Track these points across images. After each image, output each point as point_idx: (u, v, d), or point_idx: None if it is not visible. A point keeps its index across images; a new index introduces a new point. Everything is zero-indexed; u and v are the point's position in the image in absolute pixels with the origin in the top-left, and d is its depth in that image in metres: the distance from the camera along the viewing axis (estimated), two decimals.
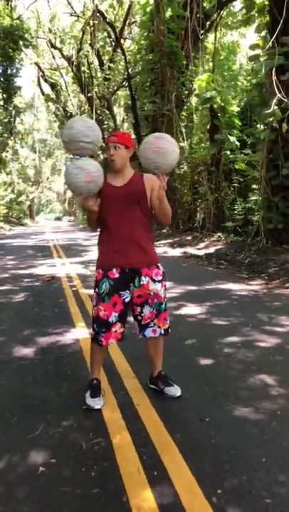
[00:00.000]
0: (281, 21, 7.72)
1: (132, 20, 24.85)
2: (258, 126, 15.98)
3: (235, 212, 14.21)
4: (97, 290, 2.69)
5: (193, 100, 16.83)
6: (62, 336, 4.21)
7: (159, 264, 2.74)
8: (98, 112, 25.18)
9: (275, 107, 7.98)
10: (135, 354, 3.56)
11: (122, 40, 22.49)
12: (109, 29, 24.78)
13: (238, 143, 14.05)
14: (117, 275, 2.64)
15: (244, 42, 21.65)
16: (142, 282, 2.64)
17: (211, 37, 19.56)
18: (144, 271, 2.66)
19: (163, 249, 12.97)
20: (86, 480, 1.99)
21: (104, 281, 2.65)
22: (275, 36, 7.62)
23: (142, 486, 1.94)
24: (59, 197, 68.43)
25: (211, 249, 12.02)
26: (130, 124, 26.64)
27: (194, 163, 15.61)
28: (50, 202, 78.00)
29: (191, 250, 12.05)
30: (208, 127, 13.90)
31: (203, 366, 3.37)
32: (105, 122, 26.61)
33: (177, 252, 12.10)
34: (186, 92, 17.14)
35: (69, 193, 57.57)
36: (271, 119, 8.39)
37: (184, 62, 16.63)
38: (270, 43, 8.12)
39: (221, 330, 4.30)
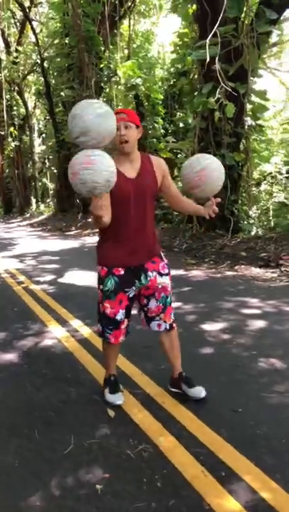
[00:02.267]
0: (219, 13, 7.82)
1: (38, 1, 23.78)
2: (179, 114, 16.31)
3: (163, 199, 14.38)
4: (101, 287, 2.52)
5: (114, 87, 16.62)
6: (39, 337, 3.91)
7: (162, 255, 2.61)
8: (8, 97, 23.84)
9: (219, 96, 8.13)
10: (130, 350, 3.40)
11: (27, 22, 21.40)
12: (14, 9, 23.52)
13: (162, 131, 14.18)
14: (122, 272, 2.46)
15: (158, 31, 21.84)
16: (149, 278, 2.50)
17: (125, 24, 19.37)
18: (149, 266, 2.51)
19: (95, 238, 12.71)
20: (155, 491, 1.84)
21: (110, 279, 2.47)
22: (217, 26, 7.65)
23: (216, 488, 1.84)
24: None
25: None
26: (43, 110, 25.67)
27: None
28: None
29: None
30: None
31: (204, 356, 3.33)
32: (15, 108, 25.33)
33: None
34: (105, 78, 16.86)
35: None
36: (212, 107, 8.51)
37: (102, 47, 16.31)
38: (206, 32, 8.19)
39: (201, 317, 4.29)
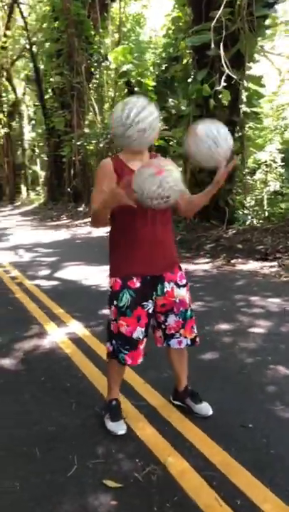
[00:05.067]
0: None
1: None
2: (171, 100, 16.03)
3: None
4: (115, 302, 2.28)
5: (104, 72, 16.27)
6: (37, 340, 3.77)
7: (180, 265, 2.44)
8: None
9: (218, 84, 7.90)
10: None
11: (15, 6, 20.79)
12: None
13: None
14: (138, 284, 2.24)
15: (148, 14, 21.34)
16: (165, 289, 2.31)
17: (115, 7, 18.88)
18: (167, 276, 2.32)
19: (86, 229, 12.53)
20: None
21: (124, 293, 2.24)
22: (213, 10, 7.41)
23: None
24: None
25: None
26: (32, 96, 25.17)
27: (110, 139, 15.14)
28: None
29: None
30: None
31: (207, 361, 3.21)
32: (3, 95, 24.77)
33: (102, 232, 11.71)
34: (96, 64, 16.47)
35: None
36: (207, 94, 8.31)
37: (92, 32, 15.90)
38: (200, 16, 7.94)
39: (203, 317, 4.16)
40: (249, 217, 10.82)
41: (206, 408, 2.48)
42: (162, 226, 2.29)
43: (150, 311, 2.31)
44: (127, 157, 2.29)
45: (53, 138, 18.26)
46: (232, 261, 7.00)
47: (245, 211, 11.07)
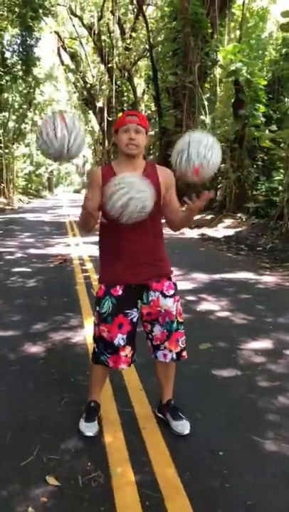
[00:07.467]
0: None
1: None
2: (287, 100, 15.22)
3: (258, 192, 13.65)
4: (98, 308, 2.31)
5: (218, 71, 16.07)
6: (70, 333, 3.94)
7: (171, 276, 2.37)
8: (118, 83, 24.42)
9: None
10: (144, 359, 3.24)
11: (144, 7, 21.50)
12: None
13: (263, 118, 13.37)
14: (120, 292, 2.25)
15: (274, 8, 20.46)
16: (150, 298, 2.27)
17: (238, 2, 18.46)
18: (153, 285, 2.28)
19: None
20: None
21: (107, 300, 2.26)
22: None
23: None
24: (78, 169, 68.14)
25: (231, 232, 11.59)
26: (151, 96, 25.83)
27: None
28: (69, 174, 77.88)
29: (209, 232, 11.62)
30: (232, 101, 13.21)
31: (219, 380, 3.05)
32: (125, 94, 25.86)
33: (195, 233, 11.67)
34: (210, 63, 16.33)
35: (88, 166, 57.23)
36: None
37: (209, 30, 15.79)
38: None
39: (244, 332, 3.96)
40: None
41: (182, 426, 2.37)
42: (151, 236, 2.28)
43: (134, 319, 2.30)
44: (119, 165, 2.29)
45: (165, 137, 18.58)
46: None
47: None
